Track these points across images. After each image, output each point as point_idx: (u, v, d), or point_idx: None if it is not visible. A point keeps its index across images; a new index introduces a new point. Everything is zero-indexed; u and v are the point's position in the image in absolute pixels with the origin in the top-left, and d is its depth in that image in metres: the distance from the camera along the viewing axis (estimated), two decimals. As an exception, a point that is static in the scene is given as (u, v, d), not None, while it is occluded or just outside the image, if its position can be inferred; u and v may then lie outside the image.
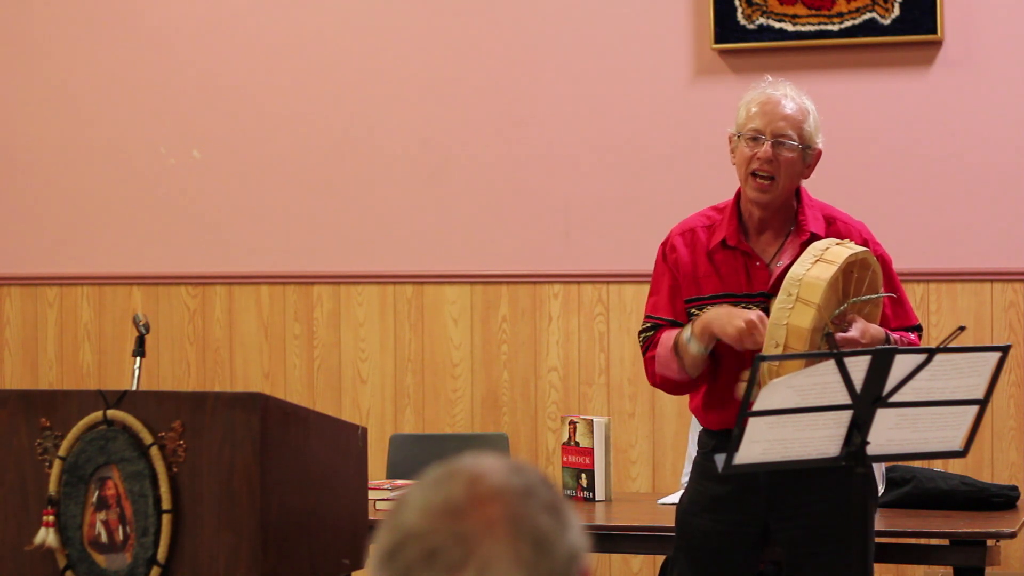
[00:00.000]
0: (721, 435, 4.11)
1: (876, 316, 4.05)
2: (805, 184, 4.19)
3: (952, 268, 6.14)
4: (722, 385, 4.11)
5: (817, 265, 3.87)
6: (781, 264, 4.06)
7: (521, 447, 6.43)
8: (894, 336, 4.04)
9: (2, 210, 6.94)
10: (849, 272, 3.94)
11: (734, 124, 4.16)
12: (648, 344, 4.16)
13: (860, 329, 3.93)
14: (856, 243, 4.03)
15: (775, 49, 6.21)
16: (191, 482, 4.09)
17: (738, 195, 4.18)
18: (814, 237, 4.06)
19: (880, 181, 6.18)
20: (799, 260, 3.92)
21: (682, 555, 4.21)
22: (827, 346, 3.78)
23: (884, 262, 4.10)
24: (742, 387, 3.89)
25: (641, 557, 6.25)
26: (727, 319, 3.97)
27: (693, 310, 4.09)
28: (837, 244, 3.96)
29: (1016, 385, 6.07)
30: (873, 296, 4.00)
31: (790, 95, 4.13)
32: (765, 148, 4.06)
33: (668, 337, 4.10)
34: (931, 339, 6.03)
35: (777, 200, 4.10)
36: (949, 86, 6.14)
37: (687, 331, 4.04)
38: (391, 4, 6.61)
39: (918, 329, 4.19)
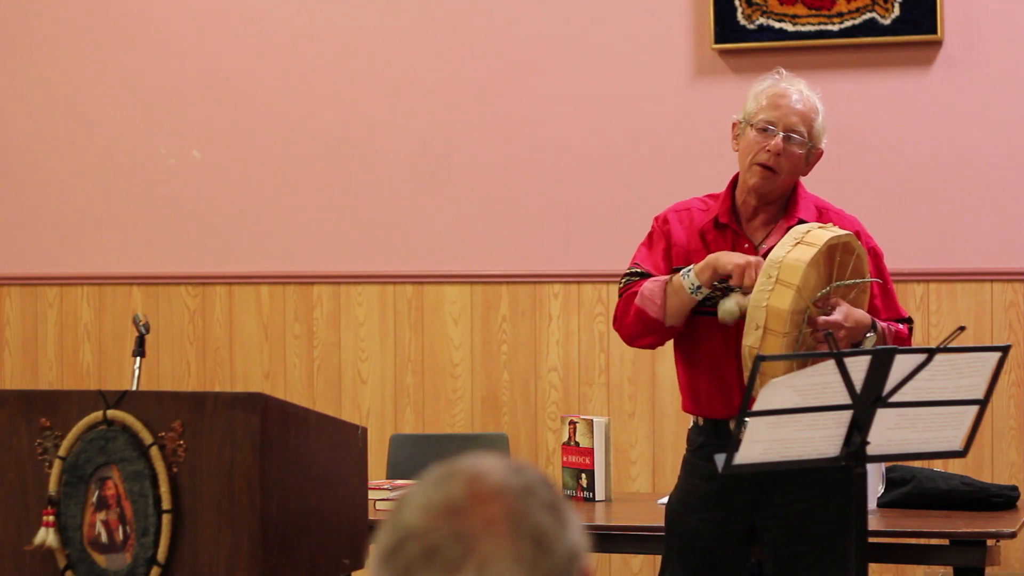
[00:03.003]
0: (709, 427, 4.11)
1: (863, 303, 4.03)
2: (803, 181, 4.20)
3: (952, 268, 6.14)
4: (705, 369, 4.10)
5: (798, 247, 3.86)
6: (766, 247, 4.07)
7: (521, 447, 6.43)
8: (881, 324, 4.03)
9: (2, 210, 6.93)
10: (832, 255, 3.93)
11: (741, 112, 4.15)
12: (628, 287, 4.12)
13: (843, 313, 3.92)
14: None
15: (775, 49, 6.21)
16: (191, 482, 4.08)
17: (733, 182, 4.18)
18: (802, 223, 4.06)
19: (880, 181, 6.18)
20: (780, 243, 3.91)
21: (672, 555, 4.20)
22: (813, 333, 3.79)
23: (876, 255, 4.10)
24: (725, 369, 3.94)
25: (641, 557, 6.24)
26: (729, 256, 3.98)
27: None
28: (819, 227, 3.95)
29: (1016, 385, 6.07)
30: (858, 281, 3.98)
31: (804, 92, 4.14)
32: (776, 141, 4.06)
33: (659, 276, 4.09)
34: (931, 339, 6.03)
35: (774, 192, 4.12)
36: (949, 86, 6.14)
37: (687, 268, 4.03)
38: (391, 4, 6.61)
39: (909, 321, 4.17)
